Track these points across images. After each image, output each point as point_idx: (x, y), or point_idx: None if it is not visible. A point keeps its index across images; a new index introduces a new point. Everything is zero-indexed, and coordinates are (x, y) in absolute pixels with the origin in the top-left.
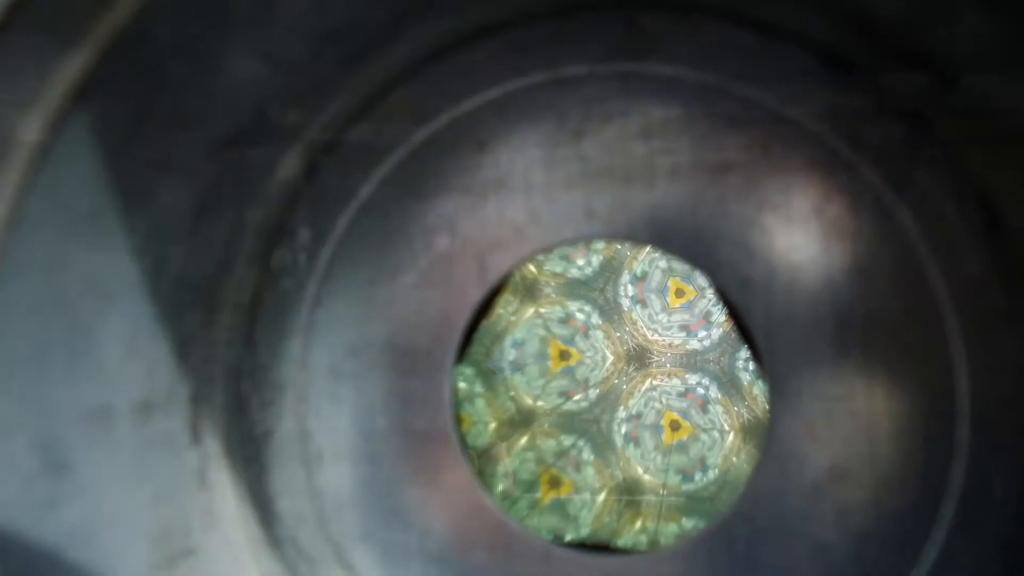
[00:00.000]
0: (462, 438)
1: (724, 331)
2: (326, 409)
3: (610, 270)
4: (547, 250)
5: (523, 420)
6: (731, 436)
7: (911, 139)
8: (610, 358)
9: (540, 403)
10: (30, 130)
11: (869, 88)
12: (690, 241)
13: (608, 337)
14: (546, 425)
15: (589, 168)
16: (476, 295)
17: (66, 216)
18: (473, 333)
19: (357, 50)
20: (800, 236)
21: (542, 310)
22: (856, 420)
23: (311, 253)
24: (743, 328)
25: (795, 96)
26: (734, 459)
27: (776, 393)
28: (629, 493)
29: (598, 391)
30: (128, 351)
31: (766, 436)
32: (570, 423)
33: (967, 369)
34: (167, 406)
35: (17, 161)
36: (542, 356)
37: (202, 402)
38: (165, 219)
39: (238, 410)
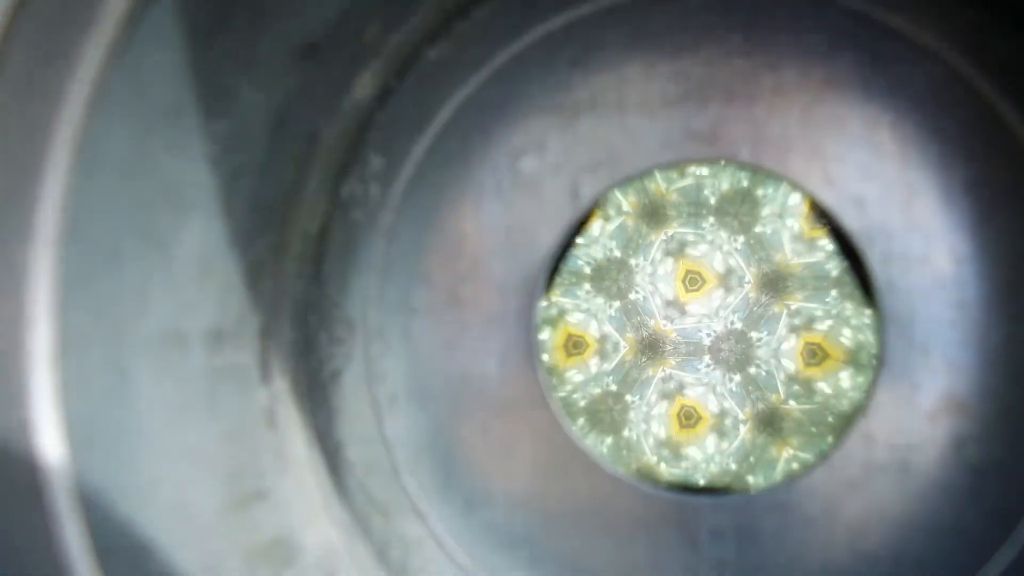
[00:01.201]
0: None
1: (739, 321)
2: (398, 347)
3: (619, 259)
4: (644, 173)
5: None
6: (745, 425)
7: None
8: (623, 347)
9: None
10: None
11: None
12: (796, 161)
13: (621, 325)
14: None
15: (688, 85)
16: (567, 220)
17: (147, 108)
18: (560, 263)
19: None
20: (917, 155)
21: (553, 297)
22: (973, 348)
23: (384, 183)
24: (851, 251)
25: (908, 8)
26: (749, 448)
27: (889, 318)
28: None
29: (610, 380)
30: (201, 271)
31: (877, 367)
32: (580, 413)
33: None
34: (237, 337)
35: (104, 25)
36: (553, 347)
37: (272, 336)
38: (243, 126)
39: (306, 347)
